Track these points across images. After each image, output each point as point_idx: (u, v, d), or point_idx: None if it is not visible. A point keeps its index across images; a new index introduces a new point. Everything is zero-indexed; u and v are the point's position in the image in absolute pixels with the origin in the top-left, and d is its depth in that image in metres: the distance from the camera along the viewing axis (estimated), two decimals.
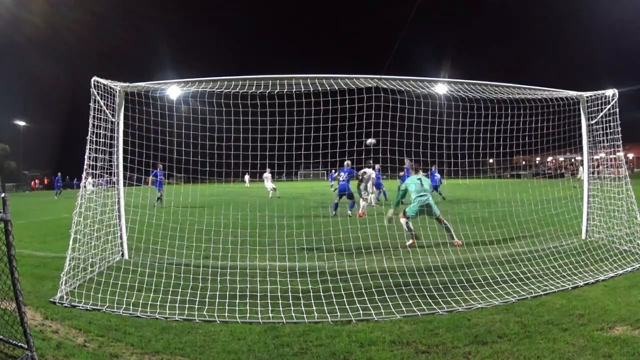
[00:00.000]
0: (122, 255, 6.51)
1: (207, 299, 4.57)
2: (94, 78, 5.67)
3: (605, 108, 7.06)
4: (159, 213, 7.36)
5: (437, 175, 17.66)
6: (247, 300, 4.49)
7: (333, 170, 22.01)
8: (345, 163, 12.15)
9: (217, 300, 4.55)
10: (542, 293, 4.60)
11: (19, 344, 3.04)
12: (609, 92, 7.01)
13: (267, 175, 21.12)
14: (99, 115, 5.82)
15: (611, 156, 7.43)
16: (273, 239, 6.94)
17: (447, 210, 13.61)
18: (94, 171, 5.81)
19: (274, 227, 8.36)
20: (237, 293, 4.75)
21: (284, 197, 19.79)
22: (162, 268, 5.65)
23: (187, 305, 4.38)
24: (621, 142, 6.98)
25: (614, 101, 6.93)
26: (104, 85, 5.94)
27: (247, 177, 22.39)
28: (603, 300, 4.31)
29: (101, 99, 5.82)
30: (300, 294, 4.69)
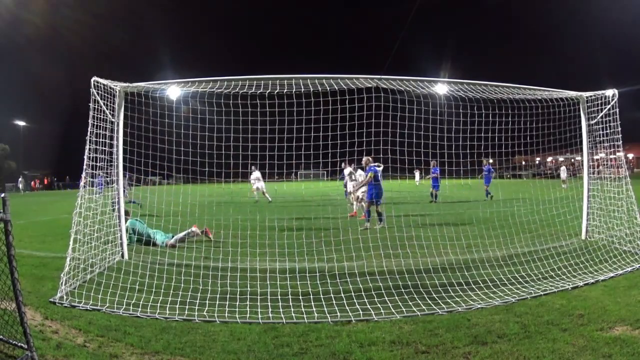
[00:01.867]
0: (122, 255, 6.51)
1: (207, 300, 4.57)
2: (94, 78, 5.68)
3: (605, 108, 7.06)
4: (146, 212, 7.36)
5: (493, 172, 17.88)
6: (247, 302, 4.49)
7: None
8: (368, 159, 9.97)
9: (217, 300, 4.55)
10: (542, 293, 4.60)
11: (19, 344, 3.04)
12: (609, 92, 7.01)
13: (256, 175, 18.17)
14: (99, 115, 5.82)
15: (611, 156, 7.43)
16: (273, 241, 6.93)
17: (449, 210, 13.61)
18: (94, 171, 5.81)
19: (274, 229, 8.37)
20: (238, 294, 4.75)
21: (284, 198, 19.76)
22: (163, 269, 5.64)
23: (187, 306, 4.38)
24: (621, 142, 6.98)
25: (614, 101, 6.93)
26: (104, 85, 5.94)
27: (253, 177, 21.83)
28: (603, 301, 4.31)
29: (101, 99, 5.82)
30: (300, 295, 4.68)
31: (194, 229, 8.13)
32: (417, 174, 25.73)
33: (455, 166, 7.40)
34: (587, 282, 4.97)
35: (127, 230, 7.27)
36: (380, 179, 9.80)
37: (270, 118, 6.43)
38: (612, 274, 5.24)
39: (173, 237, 7.83)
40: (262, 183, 18.65)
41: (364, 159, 9.71)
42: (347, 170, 16.12)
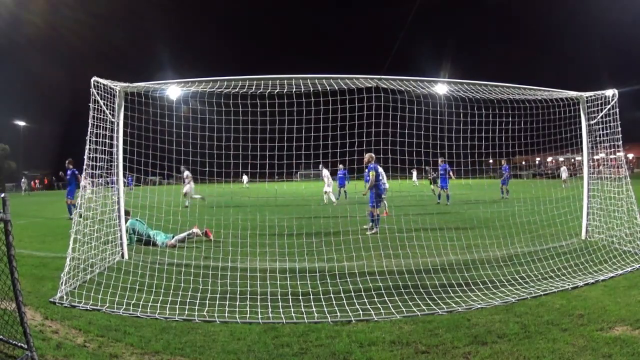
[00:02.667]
0: (122, 255, 6.50)
1: (207, 300, 4.57)
2: (94, 78, 5.67)
3: (605, 108, 7.06)
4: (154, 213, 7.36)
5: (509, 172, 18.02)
6: (247, 302, 4.49)
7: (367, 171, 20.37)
8: (370, 156, 9.32)
9: (217, 300, 4.55)
10: (542, 293, 4.60)
11: (19, 344, 3.04)
12: (609, 92, 7.01)
13: (188, 174, 14.78)
14: (98, 115, 5.82)
15: (611, 156, 7.42)
16: (273, 241, 6.93)
17: (450, 209, 13.61)
18: (94, 171, 5.81)
19: (274, 228, 8.37)
20: (238, 294, 4.75)
21: (284, 198, 19.74)
22: (162, 269, 5.64)
23: (187, 306, 4.38)
24: (621, 142, 6.98)
25: (614, 101, 6.93)
26: (104, 85, 5.94)
27: (245, 177, 21.19)
28: (603, 301, 4.30)
29: (101, 99, 5.82)
30: (300, 295, 4.68)
31: (195, 230, 8.12)
32: (414, 173, 25.75)
33: (455, 166, 7.40)
34: (587, 282, 4.97)
35: (127, 231, 7.26)
36: (381, 179, 9.51)
37: (270, 118, 6.43)
38: (612, 274, 5.23)
39: (173, 237, 7.83)
40: (192, 185, 15.72)
41: (367, 156, 9.30)
42: (325, 172, 17.06)
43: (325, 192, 17.10)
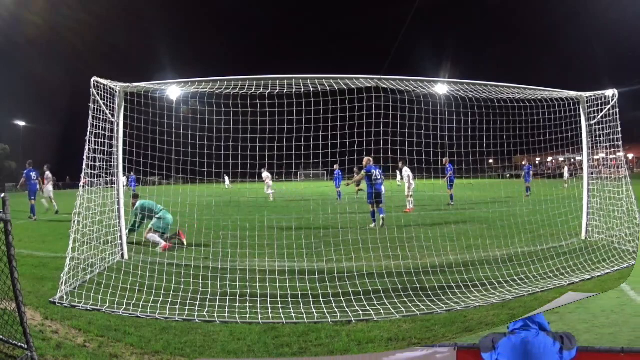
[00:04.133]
0: (122, 256, 6.50)
1: (207, 300, 4.56)
2: (94, 78, 5.67)
3: (605, 108, 7.06)
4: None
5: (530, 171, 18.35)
6: (247, 303, 4.49)
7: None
8: (368, 159, 9.81)
9: (217, 301, 4.55)
10: (539, 290, 4.65)
11: (19, 344, 3.05)
12: (609, 92, 7.01)
13: (48, 175, 13.90)
14: (98, 116, 5.82)
15: (611, 156, 7.42)
16: (273, 241, 6.93)
17: (450, 210, 13.59)
18: (93, 171, 5.81)
19: (274, 229, 8.37)
20: (238, 295, 4.74)
21: (284, 198, 19.75)
22: (162, 269, 5.64)
23: (187, 306, 4.38)
24: (621, 142, 6.98)
25: (614, 101, 6.93)
26: (104, 85, 5.93)
27: (227, 178, 20.74)
28: None
29: (101, 99, 5.82)
30: (300, 296, 4.68)
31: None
32: (400, 174, 25.70)
33: (457, 165, 7.41)
34: (583, 278, 5.00)
35: (135, 212, 7.57)
36: (376, 180, 9.71)
37: (270, 118, 6.43)
38: (607, 270, 5.26)
39: (164, 234, 7.67)
40: (51, 187, 14.21)
41: (365, 159, 9.72)
42: (266, 174, 18.39)
43: (268, 192, 18.62)
